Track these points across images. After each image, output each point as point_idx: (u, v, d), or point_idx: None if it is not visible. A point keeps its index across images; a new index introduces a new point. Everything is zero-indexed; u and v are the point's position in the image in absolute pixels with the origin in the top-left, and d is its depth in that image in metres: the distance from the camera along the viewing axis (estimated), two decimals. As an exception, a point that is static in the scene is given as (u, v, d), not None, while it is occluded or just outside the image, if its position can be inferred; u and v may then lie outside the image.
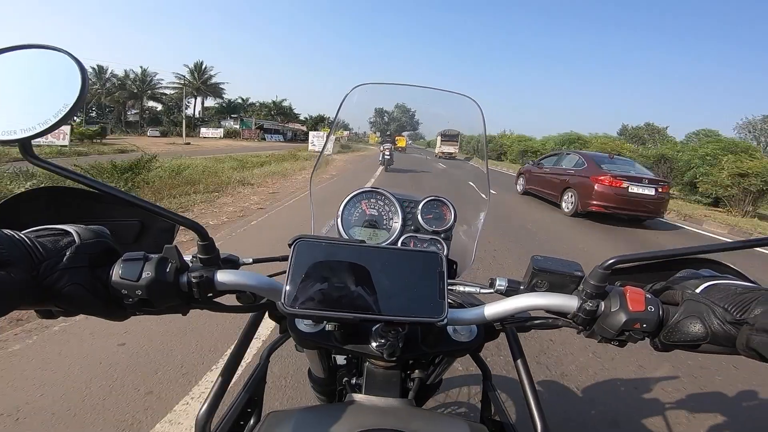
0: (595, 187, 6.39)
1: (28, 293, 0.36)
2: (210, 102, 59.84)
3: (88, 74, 0.38)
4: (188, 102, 54.54)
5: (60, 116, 0.35)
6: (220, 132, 50.12)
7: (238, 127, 54.22)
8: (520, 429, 0.60)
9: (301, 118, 65.97)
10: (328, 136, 0.99)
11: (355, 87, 0.93)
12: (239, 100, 61.40)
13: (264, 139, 50.67)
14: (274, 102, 62.25)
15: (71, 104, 0.36)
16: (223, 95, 58.61)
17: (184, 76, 54.44)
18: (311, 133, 27.35)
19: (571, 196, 6.93)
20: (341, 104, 0.91)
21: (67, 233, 0.40)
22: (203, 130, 50.78)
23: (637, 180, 6.40)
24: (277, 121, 60.14)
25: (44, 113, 0.35)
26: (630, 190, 6.30)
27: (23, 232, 0.38)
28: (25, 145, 0.35)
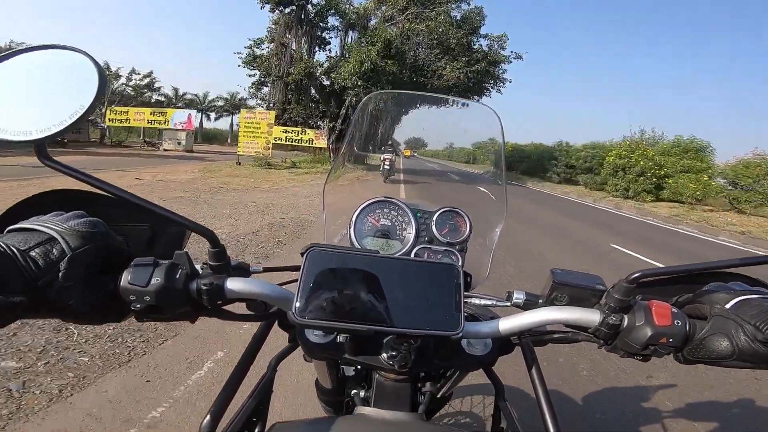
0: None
1: (26, 311, 0.35)
2: None
3: (106, 75, 0.38)
4: None
5: (76, 117, 0.35)
6: None
7: None
8: None
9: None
10: (340, 155, 0.93)
11: (370, 95, 0.91)
12: None
13: None
14: None
15: (87, 105, 0.35)
16: None
17: None
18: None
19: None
20: (355, 114, 0.88)
21: (53, 240, 0.37)
22: None
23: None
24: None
25: (60, 114, 0.35)
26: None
27: (2, 238, 0.36)
28: (40, 146, 0.34)
